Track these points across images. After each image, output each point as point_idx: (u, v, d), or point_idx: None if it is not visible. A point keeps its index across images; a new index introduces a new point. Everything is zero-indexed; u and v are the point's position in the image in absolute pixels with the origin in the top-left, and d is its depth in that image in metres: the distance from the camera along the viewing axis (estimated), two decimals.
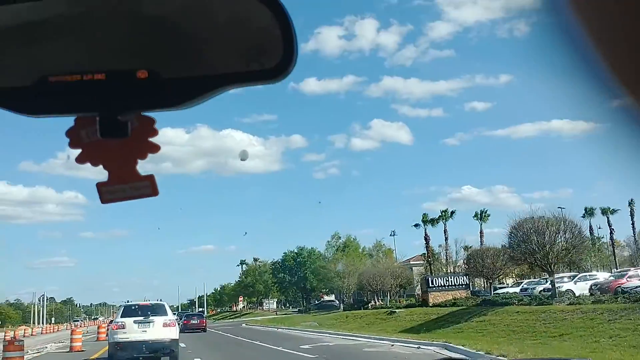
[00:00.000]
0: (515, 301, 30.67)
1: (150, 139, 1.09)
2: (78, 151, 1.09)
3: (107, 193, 1.10)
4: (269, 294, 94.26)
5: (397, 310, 41.30)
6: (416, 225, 63.75)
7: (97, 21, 1.01)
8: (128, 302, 25.05)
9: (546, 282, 35.39)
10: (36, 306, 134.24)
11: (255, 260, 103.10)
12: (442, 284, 42.05)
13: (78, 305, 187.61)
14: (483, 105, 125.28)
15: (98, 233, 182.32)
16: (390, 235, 71.49)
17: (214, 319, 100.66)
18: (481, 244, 62.27)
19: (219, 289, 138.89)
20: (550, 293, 30.43)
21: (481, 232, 62.79)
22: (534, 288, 35.24)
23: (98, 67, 1.00)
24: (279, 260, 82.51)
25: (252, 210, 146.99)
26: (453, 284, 42.06)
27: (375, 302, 54.26)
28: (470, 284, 44.62)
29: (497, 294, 37.66)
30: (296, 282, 78.73)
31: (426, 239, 63.11)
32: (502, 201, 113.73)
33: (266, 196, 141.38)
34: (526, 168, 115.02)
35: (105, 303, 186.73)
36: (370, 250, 69.24)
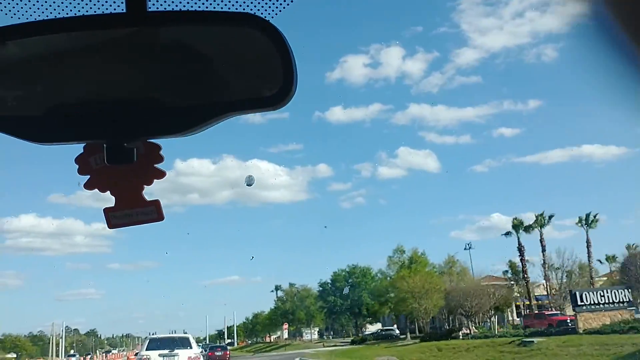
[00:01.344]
0: None
1: (156, 165, 1.13)
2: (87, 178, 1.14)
3: (114, 218, 1.12)
4: (311, 322, 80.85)
5: (534, 340, 27.96)
6: (507, 233, 50.61)
7: (104, 53, 1.06)
8: (153, 334, 23.98)
9: None
10: (54, 337, 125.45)
11: (292, 285, 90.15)
12: (596, 302, 28.74)
13: (102, 337, 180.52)
14: (511, 131, 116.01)
15: (125, 264, 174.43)
16: (465, 249, 58.17)
17: (250, 351, 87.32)
18: (589, 256, 48.94)
19: (250, 318, 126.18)
20: None
21: (588, 242, 48.87)
22: None
23: (105, 97, 1.04)
24: (328, 282, 68.81)
25: (277, 240, 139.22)
26: (611, 301, 28.74)
27: (469, 329, 40.98)
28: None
29: None
30: (350, 307, 64.99)
31: (520, 249, 49.84)
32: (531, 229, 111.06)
33: (292, 226, 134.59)
34: (556, 194, 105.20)
35: (130, 334, 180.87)
36: (441, 267, 55.82)
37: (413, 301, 45.26)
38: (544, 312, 41.79)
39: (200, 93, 1.01)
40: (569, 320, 34.12)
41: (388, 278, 56.13)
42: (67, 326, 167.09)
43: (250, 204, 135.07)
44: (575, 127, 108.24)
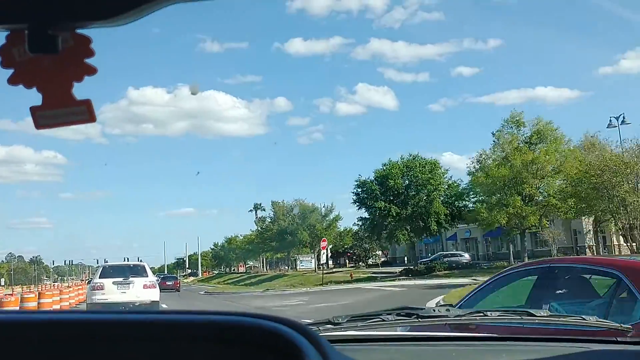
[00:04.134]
0: None
1: (86, 60, 0.97)
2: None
3: (42, 118, 0.97)
4: (316, 245, 56.40)
5: None
6: None
7: None
8: (106, 262, 23.41)
9: None
10: None
11: (275, 202, 65.34)
12: None
13: (48, 265, 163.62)
14: (470, 71, 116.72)
15: (77, 194, 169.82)
16: (609, 126, 33.49)
17: (237, 282, 62.12)
18: None
19: (220, 244, 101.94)
20: None
21: None
22: None
23: None
24: (370, 180, 43.01)
25: (235, 173, 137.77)
26: None
27: None
28: None
29: None
30: (410, 217, 40.21)
31: None
32: None
33: (250, 159, 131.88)
34: None
35: (81, 263, 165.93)
36: (572, 152, 31.73)
37: (630, 192, 20.83)
38: None
39: None
40: None
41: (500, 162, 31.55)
42: (10, 253, 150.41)
43: (206, 136, 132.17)
44: (531, 69, 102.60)
